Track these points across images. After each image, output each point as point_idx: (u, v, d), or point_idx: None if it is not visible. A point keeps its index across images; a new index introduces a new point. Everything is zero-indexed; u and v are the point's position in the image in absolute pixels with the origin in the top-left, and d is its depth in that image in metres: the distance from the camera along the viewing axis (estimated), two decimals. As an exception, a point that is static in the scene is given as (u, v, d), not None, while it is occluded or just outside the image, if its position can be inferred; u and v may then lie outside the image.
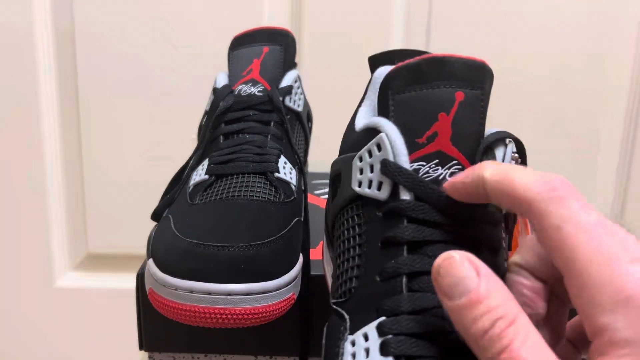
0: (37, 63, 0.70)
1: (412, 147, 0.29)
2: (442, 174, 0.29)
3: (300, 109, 0.49)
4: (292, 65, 0.49)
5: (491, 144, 0.30)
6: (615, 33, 0.71)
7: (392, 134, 0.29)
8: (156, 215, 0.45)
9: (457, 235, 0.28)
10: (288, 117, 0.47)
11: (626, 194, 0.75)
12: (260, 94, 0.46)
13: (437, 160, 0.29)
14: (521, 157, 0.33)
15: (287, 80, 0.47)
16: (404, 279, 0.27)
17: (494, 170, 0.26)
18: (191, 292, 0.34)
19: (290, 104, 0.47)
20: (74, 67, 0.71)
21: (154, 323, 0.44)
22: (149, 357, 0.46)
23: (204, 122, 0.48)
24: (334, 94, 0.68)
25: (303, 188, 0.46)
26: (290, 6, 0.70)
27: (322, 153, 0.59)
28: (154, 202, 0.47)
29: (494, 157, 0.30)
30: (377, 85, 0.31)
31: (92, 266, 0.77)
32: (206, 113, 0.48)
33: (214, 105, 0.47)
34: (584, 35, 0.71)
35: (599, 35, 0.71)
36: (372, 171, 0.30)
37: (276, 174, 0.43)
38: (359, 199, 0.31)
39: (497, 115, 0.70)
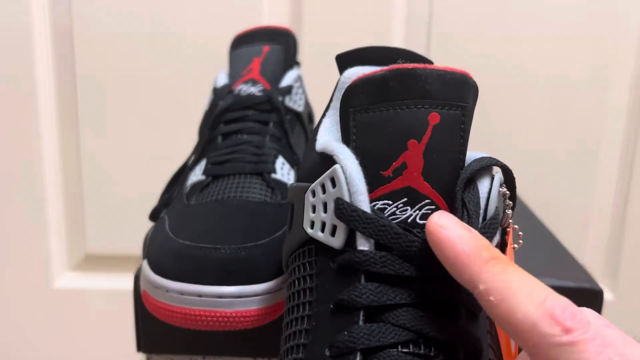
0: (35, 62, 0.70)
1: (375, 181, 0.24)
2: (411, 215, 0.24)
3: (300, 109, 0.48)
4: (292, 64, 0.48)
5: (473, 175, 0.25)
6: (616, 32, 0.70)
7: (349, 167, 0.24)
8: (154, 216, 0.45)
9: (428, 296, 0.23)
10: (288, 117, 0.46)
11: (628, 194, 0.73)
12: (260, 93, 0.45)
13: (405, 199, 0.24)
14: (510, 189, 0.27)
15: (288, 79, 0.47)
16: (358, 357, 0.22)
17: (491, 286, 0.21)
18: (182, 294, 0.34)
19: (291, 104, 0.47)
20: (72, 67, 0.71)
21: (152, 324, 0.44)
22: (147, 358, 0.46)
23: (203, 122, 0.47)
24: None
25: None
26: (291, 6, 0.70)
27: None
28: (152, 202, 0.46)
29: (476, 193, 0.24)
30: (340, 93, 0.27)
31: (90, 267, 0.77)
32: (206, 113, 0.48)
33: (213, 105, 0.46)
34: (586, 34, 0.70)
35: (600, 34, 0.70)
36: (325, 211, 0.25)
37: (273, 175, 0.42)
38: (312, 242, 0.26)
39: (497, 115, 0.69)
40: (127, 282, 0.63)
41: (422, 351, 0.23)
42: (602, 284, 0.43)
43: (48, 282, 0.77)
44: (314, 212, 0.26)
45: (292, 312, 0.27)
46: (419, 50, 0.70)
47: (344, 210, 0.24)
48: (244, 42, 0.49)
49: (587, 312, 0.21)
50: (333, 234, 0.25)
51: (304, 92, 0.49)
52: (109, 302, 0.76)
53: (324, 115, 0.31)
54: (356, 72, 0.29)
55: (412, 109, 0.24)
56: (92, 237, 0.75)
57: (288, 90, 0.46)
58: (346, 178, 0.24)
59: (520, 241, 0.29)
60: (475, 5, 0.69)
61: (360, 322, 0.23)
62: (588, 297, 0.41)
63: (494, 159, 0.25)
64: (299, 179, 0.29)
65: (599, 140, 0.73)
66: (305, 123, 0.49)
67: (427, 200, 0.24)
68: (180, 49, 0.70)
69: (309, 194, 0.26)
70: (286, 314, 0.28)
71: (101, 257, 0.76)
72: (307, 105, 0.50)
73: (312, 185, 0.26)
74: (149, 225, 0.43)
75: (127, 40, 0.70)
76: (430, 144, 0.24)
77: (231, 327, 0.34)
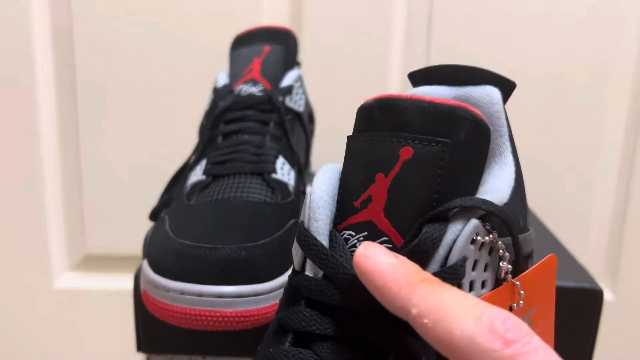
0: (35, 63, 0.70)
1: (348, 210, 0.24)
2: None
3: (301, 109, 0.48)
4: (293, 64, 0.48)
5: (446, 215, 0.22)
6: (617, 31, 0.70)
7: (315, 192, 0.24)
8: (154, 216, 0.45)
9: (358, 331, 0.22)
10: (288, 117, 0.46)
11: (628, 194, 0.73)
12: (260, 93, 0.45)
13: (366, 233, 0.23)
14: (513, 242, 0.24)
15: (288, 79, 0.47)
16: None
17: (424, 309, 0.20)
18: (182, 293, 0.34)
19: (291, 104, 0.47)
20: (72, 67, 0.71)
21: (152, 324, 0.44)
22: (147, 358, 0.46)
23: (203, 122, 0.47)
24: (336, 93, 0.67)
25: (302, 189, 0.45)
26: (291, 6, 0.70)
27: (325, 153, 0.59)
28: (153, 202, 0.46)
29: (440, 231, 0.22)
30: None
31: (90, 267, 0.77)
32: (206, 113, 0.48)
33: (213, 105, 0.46)
34: (586, 35, 0.70)
35: (601, 35, 0.70)
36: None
37: (273, 175, 0.42)
38: None
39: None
40: (127, 282, 0.63)
41: None
42: (603, 284, 0.43)
43: (48, 282, 0.77)
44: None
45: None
46: (419, 50, 0.70)
47: (300, 235, 0.24)
48: (244, 42, 0.49)
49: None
50: (297, 254, 0.25)
51: (304, 92, 0.49)
52: (109, 302, 0.76)
53: None
54: (423, 92, 0.28)
55: (386, 141, 0.23)
56: (92, 237, 0.75)
57: (288, 90, 0.46)
58: (310, 203, 0.24)
59: (522, 302, 0.25)
60: (475, 5, 0.69)
61: (287, 344, 0.23)
62: (588, 297, 0.41)
63: (485, 201, 0.23)
64: None
65: (599, 140, 0.73)
66: (305, 123, 0.49)
67: (384, 238, 0.23)
68: (181, 49, 0.70)
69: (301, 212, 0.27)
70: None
71: (101, 257, 0.76)
72: (308, 105, 0.50)
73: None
74: (149, 225, 0.43)
75: (127, 40, 0.70)
76: (397, 179, 0.23)
77: (231, 327, 0.34)
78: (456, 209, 0.23)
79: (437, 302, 0.20)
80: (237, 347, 0.44)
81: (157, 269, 0.36)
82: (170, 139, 0.70)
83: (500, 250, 0.24)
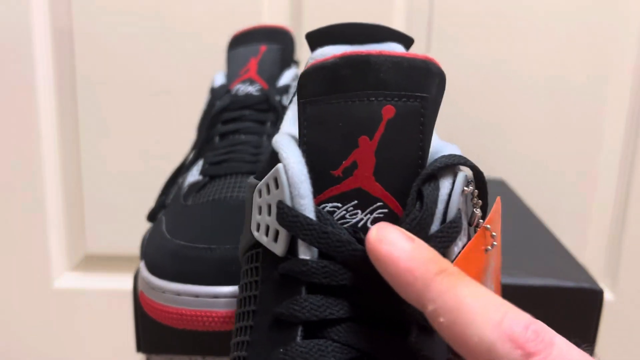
0: (35, 62, 0.70)
1: (325, 181, 0.22)
2: (362, 219, 0.22)
3: (299, 108, 0.48)
4: (290, 63, 0.48)
5: (435, 173, 0.22)
6: (618, 31, 0.70)
7: (291, 167, 0.22)
8: (152, 217, 0.45)
9: (373, 310, 0.21)
10: (286, 117, 0.46)
11: (628, 194, 0.73)
12: (257, 93, 0.45)
13: (355, 202, 0.22)
14: (479, 188, 0.24)
15: (285, 79, 0.47)
16: None
17: (441, 306, 0.18)
18: (178, 294, 0.34)
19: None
20: (72, 67, 0.71)
21: (151, 325, 0.44)
22: (147, 359, 0.46)
23: (201, 122, 0.47)
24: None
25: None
26: (290, 5, 0.70)
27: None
28: (152, 202, 0.46)
29: (436, 189, 0.22)
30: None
31: (90, 267, 0.77)
32: (203, 113, 0.48)
33: (210, 104, 0.46)
34: (587, 35, 0.70)
35: (601, 35, 0.70)
36: (269, 213, 0.23)
37: (270, 175, 0.42)
38: (259, 246, 0.24)
39: (498, 115, 0.69)
40: (126, 283, 0.63)
41: None
42: (603, 284, 0.43)
43: (48, 282, 0.77)
44: (259, 213, 0.24)
45: (238, 319, 0.25)
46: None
47: (284, 215, 0.22)
48: (241, 41, 0.49)
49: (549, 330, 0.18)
50: (275, 239, 0.23)
51: (302, 92, 0.49)
52: (109, 302, 0.76)
53: (290, 101, 0.29)
54: (325, 52, 0.27)
55: (364, 102, 0.21)
56: (92, 237, 0.75)
57: (285, 89, 0.46)
58: (288, 179, 0.22)
59: (495, 243, 0.26)
60: (475, 6, 0.69)
61: (298, 339, 0.21)
62: (588, 297, 0.41)
63: (461, 157, 0.23)
64: (257, 173, 0.27)
65: (599, 140, 0.72)
66: (303, 123, 0.49)
67: (379, 203, 0.22)
68: (181, 48, 0.70)
69: (256, 194, 0.24)
70: (235, 320, 0.26)
71: (101, 258, 0.76)
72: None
73: (259, 184, 0.24)
74: (148, 225, 0.43)
75: (126, 39, 0.70)
76: (383, 141, 0.21)
77: (228, 328, 0.34)
78: (445, 167, 0.22)
79: (455, 299, 0.18)
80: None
81: (154, 270, 0.36)
82: (170, 139, 0.70)
83: (474, 199, 0.24)
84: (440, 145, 0.24)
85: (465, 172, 0.23)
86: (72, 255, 0.77)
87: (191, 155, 0.45)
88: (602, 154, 0.73)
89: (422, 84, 0.22)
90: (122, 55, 0.70)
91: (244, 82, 0.46)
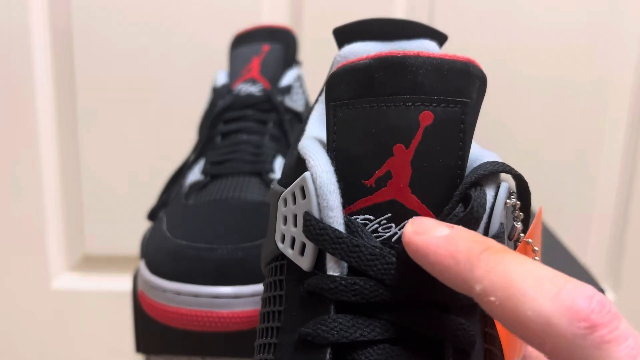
0: (34, 62, 0.70)
1: (356, 191, 0.20)
2: (396, 234, 0.20)
3: (300, 108, 0.48)
4: (292, 64, 0.48)
5: (474, 184, 0.20)
6: (620, 31, 0.70)
7: (320, 176, 0.20)
8: (152, 215, 0.44)
9: (408, 330, 0.20)
10: (287, 117, 0.46)
11: (629, 195, 0.73)
12: (259, 93, 0.45)
13: (389, 214, 0.20)
14: (523, 199, 0.23)
15: (287, 79, 0.47)
16: None
17: (489, 284, 0.17)
18: (178, 294, 0.34)
19: (290, 104, 0.47)
20: (71, 67, 0.70)
21: (150, 325, 0.43)
22: (146, 359, 0.45)
23: (202, 122, 0.47)
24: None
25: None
26: (291, 4, 0.69)
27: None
28: (151, 202, 0.46)
29: (484, 195, 0.20)
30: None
31: (88, 267, 0.77)
32: (205, 112, 0.48)
33: (212, 104, 0.46)
34: (587, 35, 0.70)
35: (602, 35, 0.70)
36: (295, 224, 0.21)
37: (271, 175, 0.42)
38: (283, 257, 0.23)
39: (498, 115, 0.69)
40: (125, 283, 0.62)
41: None
42: (604, 285, 0.43)
43: (46, 283, 0.76)
44: (284, 224, 0.22)
45: (261, 335, 0.23)
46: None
47: (312, 228, 0.20)
48: (243, 41, 0.49)
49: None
50: (302, 253, 0.21)
51: (304, 92, 0.49)
52: (108, 302, 0.76)
53: (316, 101, 0.27)
54: (355, 50, 0.25)
55: (399, 107, 0.20)
56: (91, 237, 0.75)
57: (288, 89, 0.46)
58: (316, 189, 0.20)
59: (537, 258, 0.24)
60: (475, 7, 0.69)
61: None
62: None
63: (505, 165, 0.21)
64: (280, 178, 0.25)
65: (601, 141, 0.72)
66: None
67: (414, 217, 0.20)
68: (180, 48, 0.69)
69: (280, 203, 0.22)
70: (257, 335, 0.24)
71: (100, 258, 0.76)
72: (307, 105, 0.50)
73: (284, 192, 0.22)
74: (147, 225, 0.43)
75: (126, 38, 0.69)
76: (420, 150, 0.20)
77: (227, 328, 0.34)
78: (487, 175, 0.21)
79: (504, 275, 0.17)
80: (236, 348, 0.43)
81: (154, 270, 0.36)
82: (170, 139, 0.70)
83: (516, 211, 0.23)
84: (478, 152, 0.23)
85: (507, 183, 0.22)
86: (70, 256, 0.77)
87: (193, 155, 0.45)
88: (603, 154, 0.72)
89: (462, 88, 0.20)
90: (121, 54, 0.70)
91: (246, 81, 0.46)
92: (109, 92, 0.71)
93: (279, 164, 0.43)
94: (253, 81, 0.46)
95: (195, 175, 0.43)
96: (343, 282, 0.20)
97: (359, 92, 0.20)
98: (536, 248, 0.24)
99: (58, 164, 0.74)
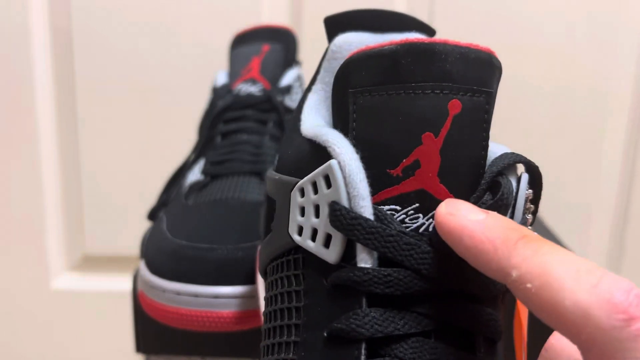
0: (34, 62, 0.70)
1: (380, 181, 0.20)
2: (424, 224, 0.20)
3: (300, 108, 0.48)
4: (292, 64, 0.48)
5: (497, 175, 0.20)
6: (620, 31, 0.70)
7: (348, 164, 0.19)
8: (152, 216, 0.44)
9: (443, 322, 0.20)
10: (288, 117, 0.46)
11: (630, 194, 0.73)
12: (259, 93, 0.45)
13: (417, 205, 0.20)
14: (535, 190, 0.23)
15: (287, 79, 0.47)
16: None
17: (526, 272, 0.17)
18: (178, 294, 0.34)
19: (290, 104, 0.47)
20: (71, 67, 0.70)
21: (150, 325, 0.43)
22: (146, 359, 0.45)
23: (202, 122, 0.47)
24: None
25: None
26: (291, 4, 0.69)
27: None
28: (151, 203, 0.46)
29: (510, 185, 0.21)
30: (335, 64, 0.23)
31: (88, 267, 0.77)
32: (205, 112, 0.48)
33: (212, 104, 0.46)
34: (588, 36, 0.70)
35: (602, 35, 0.70)
36: (316, 215, 0.21)
37: (271, 175, 0.42)
38: (299, 251, 0.22)
39: (498, 115, 0.68)
40: (125, 283, 0.62)
41: None
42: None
43: (46, 283, 0.76)
44: (302, 215, 0.21)
45: (272, 334, 0.22)
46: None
47: (342, 218, 0.19)
48: (243, 41, 0.49)
49: None
50: (327, 244, 0.20)
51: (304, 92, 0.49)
52: (108, 302, 0.76)
53: (309, 90, 0.26)
54: (349, 40, 0.25)
55: (429, 95, 0.19)
56: (91, 237, 0.75)
57: (287, 89, 0.46)
58: (345, 178, 0.20)
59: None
60: (475, 7, 0.69)
61: (362, 358, 0.19)
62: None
63: (521, 156, 0.21)
64: (280, 167, 0.24)
65: (601, 140, 0.72)
66: (305, 123, 0.49)
67: None
68: (180, 48, 0.69)
69: (296, 193, 0.21)
70: (265, 335, 0.23)
71: (99, 258, 0.76)
72: (307, 104, 0.50)
73: (301, 182, 0.21)
74: (147, 226, 0.43)
75: (126, 38, 0.69)
76: (449, 138, 0.20)
77: (227, 328, 0.34)
78: (507, 166, 0.21)
79: (542, 264, 0.17)
80: (236, 347, 0.44)
81: (154, 270, 0.35)
82: (169, 139, 0.70)
83: (529, 203, 0.22)
84: (490, 145, 0.23)
85: (527, 174, 0.22)
86: (70, 256, 0.77)
87: (193, 155, 0.45)
88: (604, 154, 0.72)
89: (486, 79, 0.20)
90: (121, 54, 0.70)
91: (246, 81, 0.46)
92: (109, 92, 0.71)
93: (279, 164, 0.43)
94: (253, 81, 0.46)
95: (195, 175, 0.43)
96: (377, 274, 0.19)
97: (383, 78, 0.20)
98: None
99: (58, 164, 0.74)
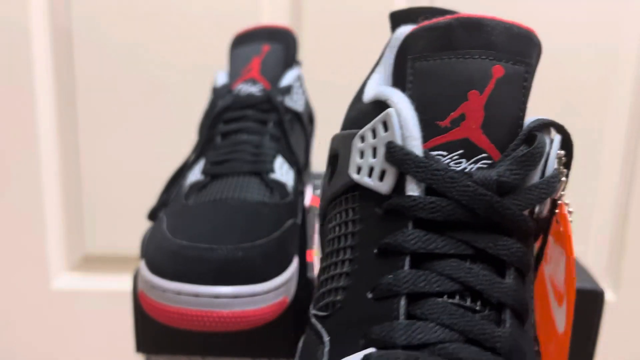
0: (34, 62, 0.70)
1: (431, 130, 0.23)
2: (466, 168, 0.23)
3: (300, 109, 0.48)
4: (292, 64, 0.48)
5: (532, 131, 0.24)
6: (620, 30, 0.70)
7: (403, 111, 0.23)
8: (152, 215, 0.45)
9: (478, 248, 0.23)
10: (287, 117, 0.46)
11: (630, 194, 0.73)
12: (259, 93, 0.45)
13: (461, 151, 0.23)
14: (567, 153, 0.26)
15: (287, 79, 0.47)
16: (402, 301, 0.22)
17: None
18: (178, 294, 0.34)
19: (290, 104, 0.47)
20: (71, 67, 0.71)
21: (150, 325, 0.43)
22: (146, 359, 0.45)
23: (202, 122, 0.47)
24: (336, 93, 0.67)
25: (300, 189, 0.45)
26: (291, 5, 0.70)
27: (325, 153, 0.59)
28: (152, 202, 0.46)
29: (543, 144, 0.24)
30: (396, 50, 0.26)
31: (88, 267, 0.77)
32: (205, 112, 0.48)
33: (212, 104, 0.46)
34: (588, 34, 0.70)
35: (602, 34, 0.70)
36: (374, 156, 0.24)
37: (271, 175, 0.42)
38: (356, 189, 0.26)
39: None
40: (125, 283, 0.63)
41: (467, 304, 0.22)
42: (604, 285, 0.43)
43: (46, 283, 0.77)
44: (361, 157, 0.25)
45: (330, 257, 0.26)
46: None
47: (396, 154, 0.23)
48: (243, 41, 0.49)
49: None
50: (381, 178, 0.24)
51: (304, 92, 0.49)
52: (108, 302, 0.76)
53: (372, 72, 0.30)
54: (408, 30, 0.27)
55: (476, 59, 0.23)
56: (91, 237, 0.75)
57: (288, 89, 0.46)
58: (400, 121, 0.23)
59: (571, 219, 0.26)
60: (474, 8, 0.69)
61: (406, 267, 0.23)
62: (589, 297, 0.41)
63: (554, 121, 0.25)
64: (343, 128, 0.29)
65: (601, 141, 0.72)
66: (305, 123, 0.49)
67: (484, 155, 0.23)
68: (180, 48, 0.70)
69: (357, 140, 0.25)
70: (324, 260, 0.27)
71: (100, 258, 0.76)
72: (307, 105, 0.50)
73: (362, 130, 0.25)
74: (147, 225, 0.43)
75: (126, 38, 0.70)
76: (492, 97, 0.23)
77: (228, 328, 0.34)
78: (542, 126, 0.24)
79: None
80: (236, 347, 0.44)
81: (154, 270, 0.36)
82: (170, 139, 0.70)
83: (561, 167, 0.25)
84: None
85: (558, 136, 0.25)
86: (70, 256, 0.77)
87: (193, 155, 0.45)
88: (603, 154, 0.73)
89: (526, 51, 0.24)
90: (122, 55, 0.70)
91: (246, 81, 0.46)
92: (109, 92, 0.71)
93: (278, 163, 0.43)
94: (253, 81, 0.46)
95: (195, 175, 0.43)
96: (422, 201, 0.23)
97: (438, 46, 0.24)
98: (570, 210, 0.27)
99: (58, 164, 0.74)
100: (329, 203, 0.28)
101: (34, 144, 0.72)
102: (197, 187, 0.42)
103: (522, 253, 0.23)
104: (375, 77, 0.29)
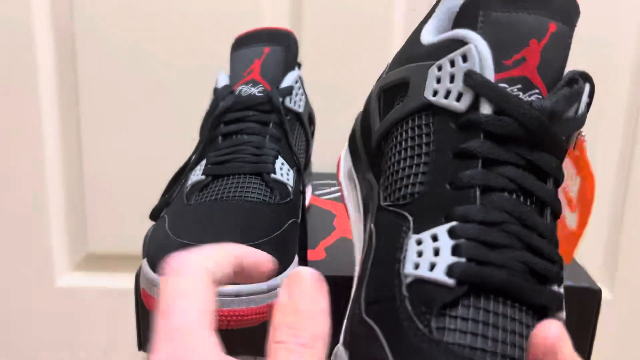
0: (37, 62, 0.71)
1: (498, 66, 0.29)
2: (523, 99, 0.29)
3: (301, 109, 0.48)
4: (293, 65, 0.49)
5: (573, 78, 0.30)
6: (618, 29, 0.70)
7: (481, 48, 0.29)
8: (154, 215, 0.45)
9: (528, 160, 0.28)
10: (288, 118, 0.47)
11: (626, 193, 0.73)
12: (260, 94, 0.46)
13: (520, 85, 0.29)
14: (590, 100, 0.32)
15: (288, 80, 0.47)
16: (477, 191, 0.27)
17: None
18: (180, 293, 0.34)
19: (291, 105, 0.47)
20: (73, 66, 0.71)
21: (153, 323, 0.44)
22: (148, 357, 0.46)
23: (204, 123, 0.48)
24: (336, 94, 0.67)
25: (301, 189, 0.45)
26: (291, 6, 0.70)
27: (325, 153, 0.59)
28: (154, 202, 0.47)
29: (581, 87, 0.30)
30: (451, 3, 0.32)
31: (92, 266, 0.77)
32: (207, 113, 0.48)
33: (213, 105, 0.47)
34: (587, 33, 0.70)
35: (600, 34, 0.70)
36: (452, 81, 0.30)
37: (272, 175, 0.42)
38: (429, 109, 0.31)
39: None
40: (128, 282, 0.63)
41: (521, 200, 0.28)
42: (600, 283, 0.43)
43: (50, 281, 0.77)
44: (438, 82, 0.30)
45: (404, 161, 0.31)
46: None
47: (475, 79, 0.28)
48: (245, 43, 0.50)
49: None
50: (458, 99, 0.29)
51: (304, 93, 0.50)
52: (111, 301, 0.77)
53: (423, 22, 0.35)
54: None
55: (537, 16, 0.29)
56: (94, 236, 0.75)
57: (288, 91, 0.47)
58: (479, 55, 0.29)
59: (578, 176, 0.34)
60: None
61: (479, 168, 0.28)
62: (586, 296, 0.42)
63: (586, 72, 0.31)
64: (410, 60, 0.34)
65: (596, 140, 0.73)
66: (305, 124, 0.49)
67: (536, 90, 0.29)
68: (182, 49, 0.70)
69: (434, 68, 0.30)
70: (393, 165, 0.32)
71: (103, 257, 0.77)
72: (308, 106, 0.51)
73: (440, 61, 0.30)
74: (150, 225, 0.44)
75: (128, 40, 0.70)
76: (547, 46, 0.29)
77: (228, 326, 0.34)
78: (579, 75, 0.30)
79: None
80: (237, 345, 0.44)
81: (155, 268, 0.36)
82: (172, 139, 0.71)
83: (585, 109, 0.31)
84: None
85: (589, 84, 0.31)
86: (74, 255, 0.78)
87: (195, 155, 0.46)
88: (600, 153, 0.73)
89: (574, 16, 0.30)
90: (123, 56, 0.70)
91: (247, 83, 0.46)
92: (112, 93, 0.71)
93: (279, 164, 0.44)
94: (254, 82, 0.46)
95: (196, 175, 0.43)
96: (493, 117, 0.28)
97: (507, 2, 0.29)
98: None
99: (61, 164, 0.74)
100: (393, 126, 0.33)
101: (38, 144, 0.73)
102: (199, 187, 0.42)
103: (558, 167, 0.29)
104: (430, 25, 0.34)
